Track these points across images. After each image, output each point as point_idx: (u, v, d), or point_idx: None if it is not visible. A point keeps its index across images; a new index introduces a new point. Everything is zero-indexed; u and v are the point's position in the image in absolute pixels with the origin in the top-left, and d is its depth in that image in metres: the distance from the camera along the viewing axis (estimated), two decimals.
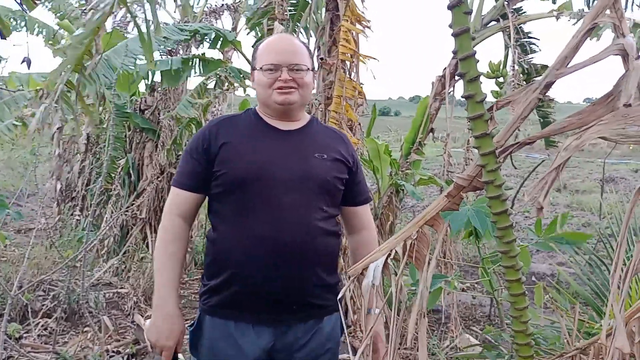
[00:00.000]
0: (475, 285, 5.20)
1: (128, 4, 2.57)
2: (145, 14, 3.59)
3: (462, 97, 1.09)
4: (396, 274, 1.13)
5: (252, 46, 5.15)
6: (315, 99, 4.35)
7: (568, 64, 1.02)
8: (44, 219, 6.20)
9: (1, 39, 3.48)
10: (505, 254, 1.10)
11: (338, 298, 1.41)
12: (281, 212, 1.60)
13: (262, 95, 1.70)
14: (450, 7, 1.03)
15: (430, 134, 5.34)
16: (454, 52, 1.11)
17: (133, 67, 4.35)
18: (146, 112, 5.66)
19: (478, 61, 1.10)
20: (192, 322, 1.74)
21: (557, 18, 4.68)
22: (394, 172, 4.94)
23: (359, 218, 1.88)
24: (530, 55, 5.06)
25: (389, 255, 1.14)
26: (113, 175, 5.64)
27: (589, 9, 4.76)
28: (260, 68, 1.68)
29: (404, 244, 1.11)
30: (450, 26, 1.07)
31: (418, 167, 5.11)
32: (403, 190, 4.86)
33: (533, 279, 5.60)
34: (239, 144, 1.66)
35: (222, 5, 6.41)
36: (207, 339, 1.68)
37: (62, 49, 2.45)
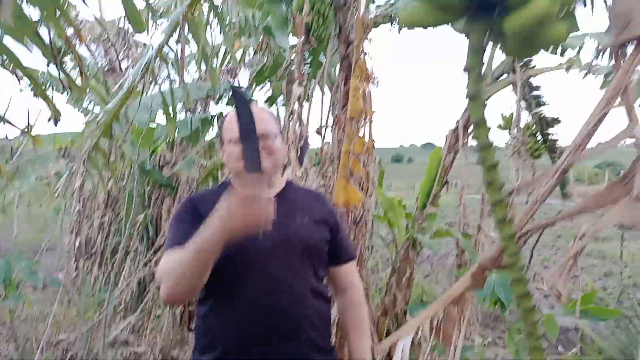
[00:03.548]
0: (497, 339, 5.09)
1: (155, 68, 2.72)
2: (169, 74, 3.75)
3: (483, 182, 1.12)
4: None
5: (268, 102, 5.31)
6: (330, 155, 4.44)
7: (582, 149, 1.06)
8: (61, 274, 6.25)
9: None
10: (529, 336, 1.10)
11: None
12: (269, 281, 1.59)
13: (235, 166, 1.67)
14: (466, 70, 1.05)
15: (445, 186, 5.38)
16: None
17: (155, 125, 4.51)
18: (165, 167, 5.80)
19: (491, 140, 1.15)
20: None
21: (567, 70, 4.77)
22: (410, 224, 4.96)
23: (344, 277, 1.86)
24: (540, 108, 5.13)
25: (417, 333, 1.15)
26: (131, 231, 5.71)
27: (597, 59, 4.86)
28: (230, 140, 1.67)
29: (430, 322, 1.13)
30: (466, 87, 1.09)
31: (434, 219, 5.12)
32: (420, 243, 4.85)
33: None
34: None
35: (239, 64, 6.64)
36: None
37: (92, 121, 2.57)
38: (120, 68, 6.20)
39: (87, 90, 6.70)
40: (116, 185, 5.97)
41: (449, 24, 1.12)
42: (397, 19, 4.83)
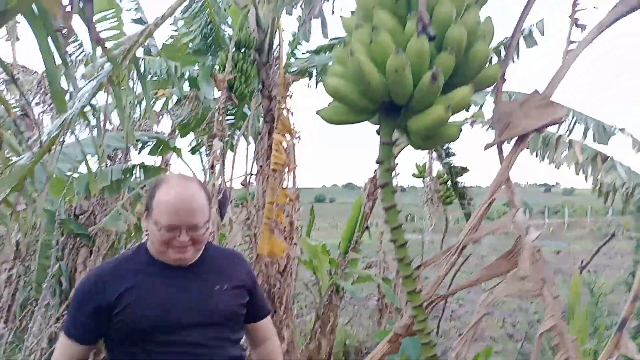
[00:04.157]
0: None
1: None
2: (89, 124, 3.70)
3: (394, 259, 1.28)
4: None
5: (191, 151, 5.33)
6: (254, 206, 4.53)
7: (477, 230, 1.24)
8: None
9: None
10: None
11: None
12: (189, 353, 1.61)
13: (158, 248, 1.65)
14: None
15: (367, 231, 5.62)
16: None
17: (69, 173, 4.38)
18: (81, 217, 5.58)
19: (399, 211, 1.31)
20: None
21: (472, 125, 5.23)
22: (333, 270, 5.09)
23: (261, 331, 1.94)
24: (450, 158, 5.56)
25: None
26: (42, 283, 5.39)
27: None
28: (160, 225, 1.60)
29: None
30: (377, 162, 1.23)
31: (355, 265, 5.31)
32: (342, 288, 5.00)
33: None
34: (135, 289, 1.61)
35: (161, 110, 6.61)
36: None
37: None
38: (33, 114, 5.98)
39: None
40: (26, 236, 5.64)
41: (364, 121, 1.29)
42: (316, 74, 5.11)
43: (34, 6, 1.09)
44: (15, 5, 1.01)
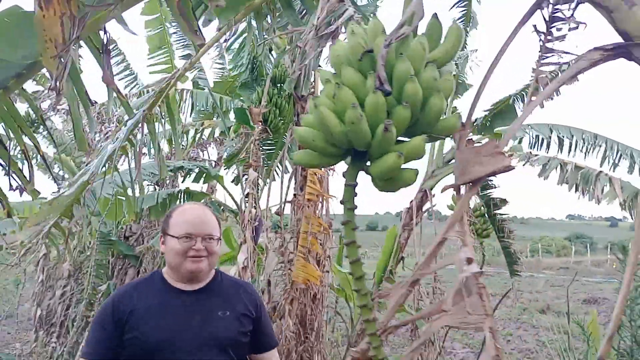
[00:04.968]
0: None
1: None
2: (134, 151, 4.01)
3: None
4: None
5: (234, 182, 5.59)
6: (288, 233, 4.68)
7: (430, 264, 1.32)
8: (19, 344, 6.16)
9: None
10: None
11: None
12: None
13: (174, 261, 1.81)
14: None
15: (401, 262, 5.63)
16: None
17: (124, 198, 4.71)
18: (130, 239, 5.94)
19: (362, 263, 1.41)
20: None
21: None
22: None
23: None
24: (488, 190, 5.51)
25: None
26: (93, 301, 5.74)
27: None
28: (174, 235, 1.79)
29: None
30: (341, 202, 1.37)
31: None
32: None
33: None
34: (145, 311, 1.76)
35: (209, 139, 6.97)
36: None
37: (48, 202, 2.77)
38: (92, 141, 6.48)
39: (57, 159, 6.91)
40: (80, 256, 6.05)
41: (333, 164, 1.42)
42: None
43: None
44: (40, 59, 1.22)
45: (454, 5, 6.06)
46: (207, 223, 1.84)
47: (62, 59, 1.00)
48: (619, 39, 1.30)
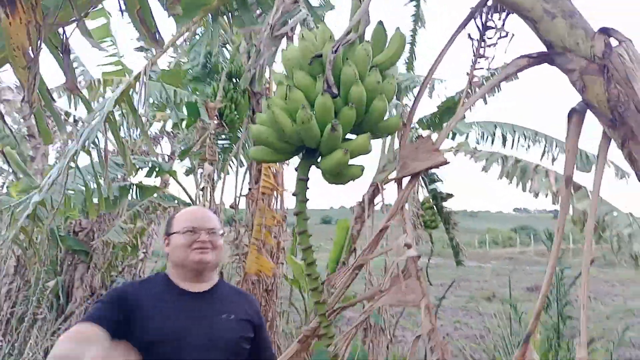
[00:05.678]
0: None
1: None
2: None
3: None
4: None
5: (185, 173, 5.58)
6: (243, 226, 4.74)
7: (372, 251, 1.44)
8: None
9: None
10: None
11: None
12: None
13: (180, 255, 1.83)
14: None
15: (353, 253, 5.78)
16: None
17: (73, 193, 4.63)
18: (80, 234, 5.82)
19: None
20: None
21: (455, 154, 5.44)
22: None
23: None
24: (435, 184, 5.76)
25: None
26: (41, 298, 5.60)
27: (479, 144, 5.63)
28: (179, 232, 1.83)
29: None
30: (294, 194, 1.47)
31: None
32: None
33: None
34: (150, 308, 1.75)
35: (161, 133, 6.90)
36: None
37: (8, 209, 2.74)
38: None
39: None
40: (26, 251, 5.88)
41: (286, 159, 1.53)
42: None
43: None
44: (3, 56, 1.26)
45: (408, 2, 6.27)
46: (209, 218, 1.92)
47: (30, 69, 1.03)
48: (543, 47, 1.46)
